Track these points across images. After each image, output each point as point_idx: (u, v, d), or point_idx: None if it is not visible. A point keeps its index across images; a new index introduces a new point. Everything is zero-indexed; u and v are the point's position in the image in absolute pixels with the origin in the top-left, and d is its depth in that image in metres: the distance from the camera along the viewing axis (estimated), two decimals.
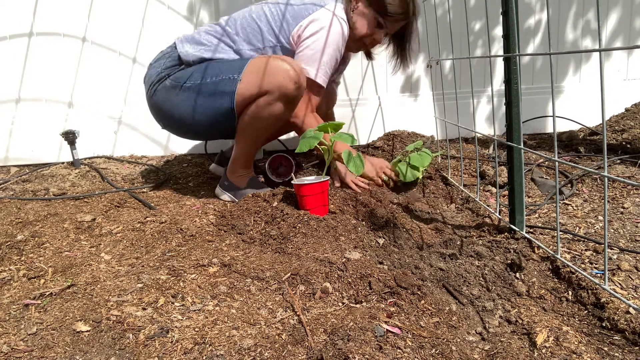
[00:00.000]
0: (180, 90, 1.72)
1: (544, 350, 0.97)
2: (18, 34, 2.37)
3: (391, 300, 1.09)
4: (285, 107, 1.68)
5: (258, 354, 0.91)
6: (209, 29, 1.80)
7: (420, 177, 2.00)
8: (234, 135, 1.81)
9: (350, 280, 1.14)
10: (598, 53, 0.99)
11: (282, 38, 1.77)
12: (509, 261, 1.33)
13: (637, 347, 0.98)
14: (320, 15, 1.74)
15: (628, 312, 1.06)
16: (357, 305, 1.08)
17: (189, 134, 1.89)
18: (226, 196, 1.84)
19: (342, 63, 2.14)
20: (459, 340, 0.99)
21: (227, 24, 1.79)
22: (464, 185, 1.97)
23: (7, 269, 1.26)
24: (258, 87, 1.63)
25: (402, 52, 1.94)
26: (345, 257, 1.23)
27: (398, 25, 1.85)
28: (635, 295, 1.14)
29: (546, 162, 2.17)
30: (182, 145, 2.65)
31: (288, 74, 1.62)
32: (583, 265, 1.29)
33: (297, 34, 1.76)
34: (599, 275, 1.23)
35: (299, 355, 0.92)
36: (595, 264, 1.29)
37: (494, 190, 1.95)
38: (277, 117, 1.69)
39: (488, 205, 1.71)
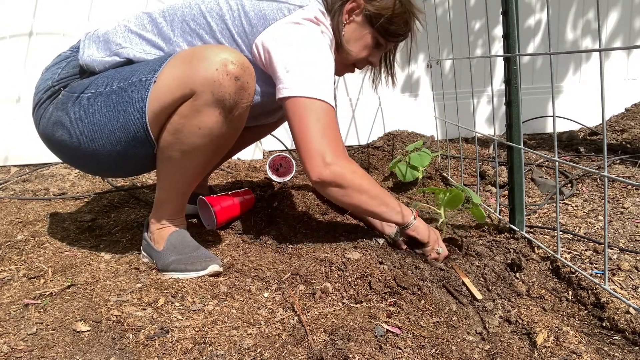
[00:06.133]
0: (76, 103, 1.17)
1: (544, 350, 0.97)
2: (18, 33, 2.37)
3: (391, 300, 1.09)
4: (224, 117, 1.12)
5: (258, 354, 0.91)
6: (132, 24, 1.26)
7: (420, 177, 2.00)
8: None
9: (350, 280, 1.14)
10: (598, 53, 0.99)
11: (241, 43, 1.24)
12: (509, 261, 1.33)
13: (637, 347, 0.98)
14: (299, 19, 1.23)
15: (628, 312, 1.06)
16: (357, 305, 1.08)
17: (101, 169, 1.31)
18: (146, 259, 1.31)
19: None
20: (459, 340, 0.99)
21: (163, 15, 1.24)
22: (464, 185, 1.97)
23: (7, 269, 1.26)
24: (180, 86, 1.10)
25: (389, 68, 1.53)
26: (345, 257, 1.23)
27: (395, 44, 1.47)
28: (635, 295, 1.14)
29: (546, 162, 2.17)
30: None
31: (224, 66, 1.08)
32: (583, 265, 1.29)
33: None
34: (599, 275, 1.23)
35: (299, 355, 0.92)
36: (595, 264, 1.29)
37: (494, 190, 1.95)
38: (212, 133, 1.13)
39: (488, 205, 1.71)
